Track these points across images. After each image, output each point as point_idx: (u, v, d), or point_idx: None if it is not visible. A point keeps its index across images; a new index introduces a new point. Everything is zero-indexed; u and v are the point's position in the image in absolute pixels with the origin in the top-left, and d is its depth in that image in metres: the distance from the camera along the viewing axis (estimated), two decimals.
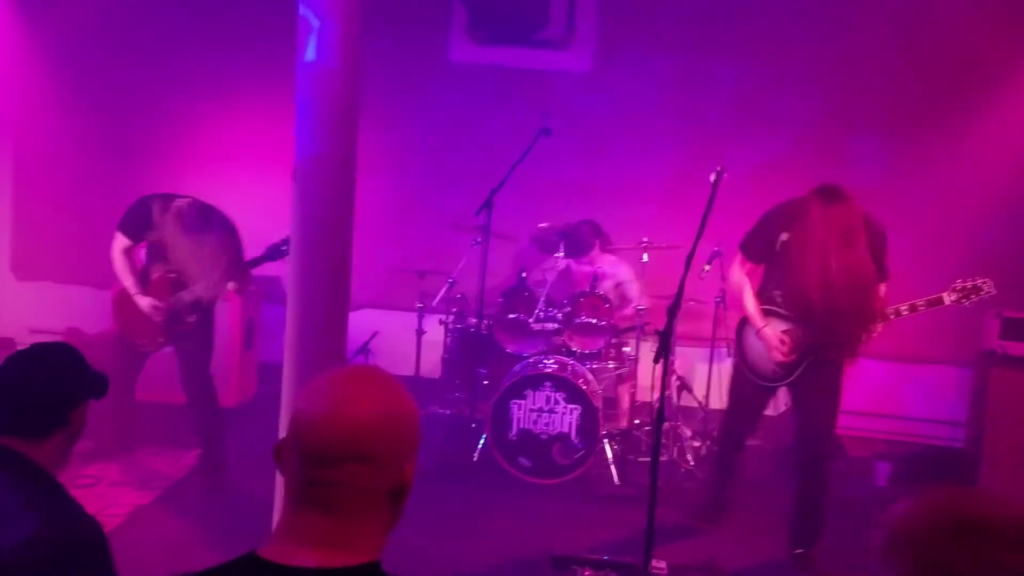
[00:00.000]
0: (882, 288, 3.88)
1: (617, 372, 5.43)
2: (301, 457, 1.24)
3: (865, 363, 5.90)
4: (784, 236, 3.87)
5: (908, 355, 6.01)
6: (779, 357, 3.89)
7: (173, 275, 4.37)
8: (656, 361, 2.96)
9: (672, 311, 3.02)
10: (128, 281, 4.40)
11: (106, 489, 4.31)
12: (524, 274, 5.45)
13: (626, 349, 5.41)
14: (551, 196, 6.20)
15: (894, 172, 5.90)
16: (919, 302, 3.80)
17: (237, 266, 4.45)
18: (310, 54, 4.03)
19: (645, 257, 5.27)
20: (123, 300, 4.45)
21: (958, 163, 5.82)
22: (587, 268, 5.63)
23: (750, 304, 4.00)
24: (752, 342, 4.04)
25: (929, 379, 6.06)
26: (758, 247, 4.02)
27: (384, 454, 1.25)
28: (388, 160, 6.25)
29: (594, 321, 5.12)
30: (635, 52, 6.20)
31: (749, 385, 4.13)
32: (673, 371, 5.30)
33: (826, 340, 3.81)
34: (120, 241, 4.43)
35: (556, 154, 5.88)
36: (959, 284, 3.77)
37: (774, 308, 3.96)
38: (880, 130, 5.97)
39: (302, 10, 3.47)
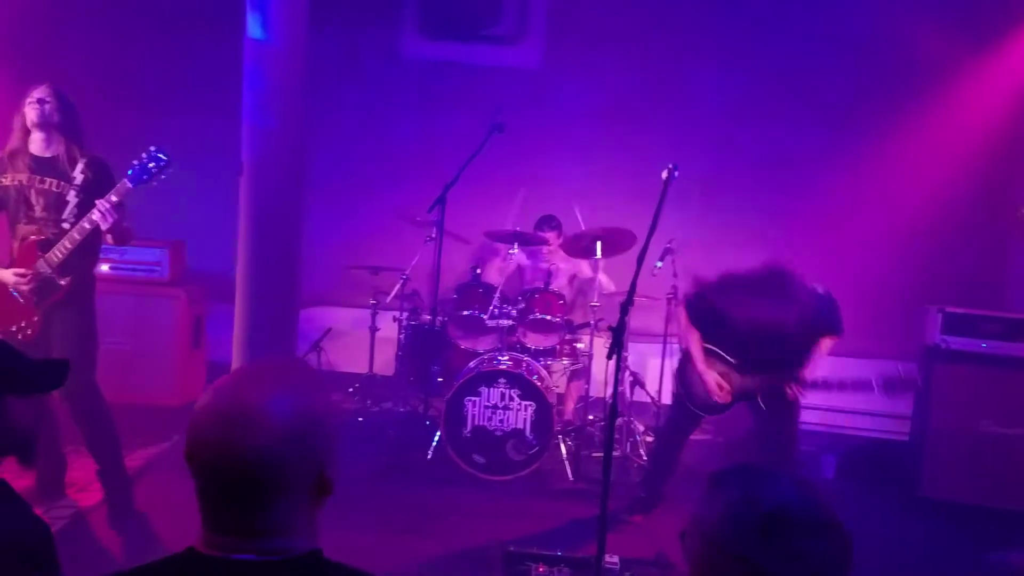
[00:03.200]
0: (824, 343, 4.07)
1: (571, 368, 5.45)
2: (205, 476, 1.20)
3: None
4: (726, 308, 4.02)
5: (852, 350, 6.12)
6: (717, 399, 4.11)
7: (39, 236, 3.68)
8: (609, 357, 2.97)
9: (625, 307, 3.03)
10: None
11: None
12: (478, 270, 5.43)
13: (580, 345, 5.44)
14: (504, 192, 6.21)
15: (839, 170, 6.02)
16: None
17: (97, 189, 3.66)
18: (256, 32, 3.97)
19: (599, 253, 5.28)
20: None
21: (904, 160, 5.97)
22: (543, 264, 5.64)
23: (695, 347, 4.18)
24: (693, 377, 4.21)
25: (873, 373, 6.18)
26: (700, 314, 4.16)
27: (294, 471, 1.20)
28: (340, 155, 6.19)
29: (548, 317, 5.13)
30: (584, 50, 6.24)
31: (689, 415, 4.29)
32: (626, 367, 5.34)
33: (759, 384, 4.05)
34: None
35: (509, 150, 5.88)
36: None
37: (715, 349, 4.16)
38: (823, 129, 6.09)
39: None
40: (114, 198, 3.59)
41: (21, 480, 2.24)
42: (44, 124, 3.66)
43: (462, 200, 5.36)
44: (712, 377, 4.10)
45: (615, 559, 3.53)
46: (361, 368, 5.99)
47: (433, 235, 5.17)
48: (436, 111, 6.31)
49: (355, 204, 6.33)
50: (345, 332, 6.22)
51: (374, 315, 5.83)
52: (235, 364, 4.37)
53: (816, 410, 6.08)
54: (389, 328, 5.74)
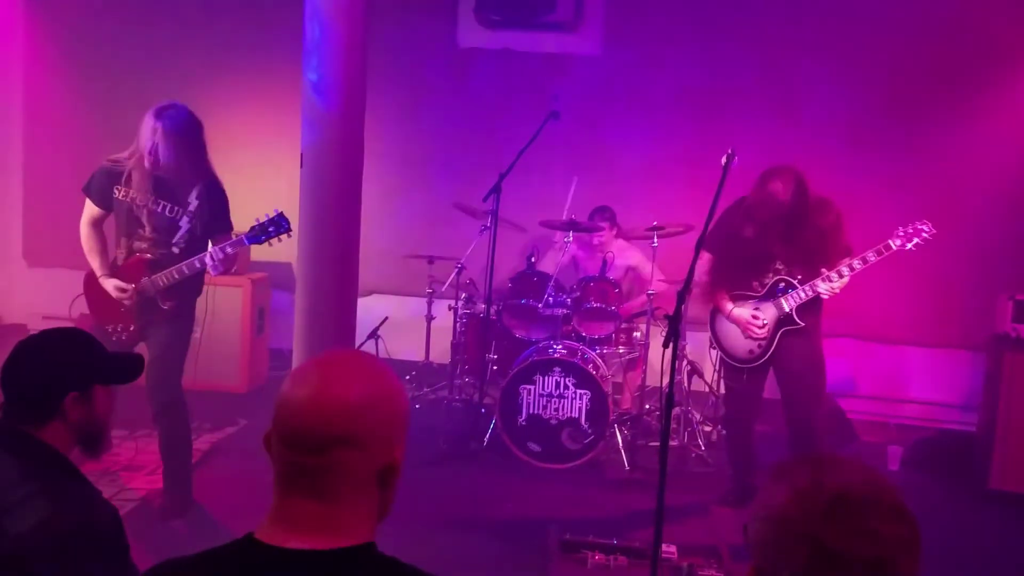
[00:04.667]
0: (853, 260, 4.05)
1: (627, 357, 5.42)
2: (285, 443, 1.23)
3: (876, 348, 5.95)
4: (744, 229, 4.11)
5: (919, 339, 5.99)
6: (756, 333, 4.14)
7: (149, 255, 3.73)
8: (666, 346, 2.95)
9: (682, 295, 3.00)
10: (95, 261, 3.80)
11: (116, 473, 4.33)
12: (533, 259, 5.43)
13: (636, 334, 5.40)
14: (560, 180, 6.18)
15: (909, 158, 5.85)
16: (868, 254, 4.00)
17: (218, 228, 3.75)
18: (314, 27, 4.03)
19: (656, 242, 5.23)
20: (92, 280, 3.86)
21: (972, 147, 5.77)
22: (597, 253, 5.61)
23: (718, 295, 4.25)
24: (725, 329, 4.26)
25: (941, 363, 6.03)
26: (720, 242, 4.17)
27: (369, 438, 1.24)
28: (396, 144, 6.24)
29: (603, 306, 5.11)
30: (644, 35, 6.15)
31: (734, 371, 4.31)
32: (683, 356, 5.29)
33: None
34: (89, 208, 3.83)
35: (565, 138, 5.86)
36: (901, 230, 3.99)
37: (740, 292, 4.21)
38: (895, 115, 5.91)
39: None
40: (229, 250, 3.65)
41: None
42: (156, 163, 3.60)
43: (518, 189, 5.37)
44: (743, 312, 4.14)
45: (672, 548, 3.51)
46: (417, 356, 6.05)
47: (488, 224, 5.19)
48: (492, 99, 6.31)
49: (411, 193, 6.38)
50: (402, 321, 6.29)
51: (430, 304, 5.89)
52: (296, 351, 4.47)
53: (881, 400, 5.96)
54: (445, 317, 5.79)
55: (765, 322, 4.12)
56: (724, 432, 4.62)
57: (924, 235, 3.98)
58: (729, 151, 3.36)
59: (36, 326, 5.88)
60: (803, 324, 4.09)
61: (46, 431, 1.88)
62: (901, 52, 5.85)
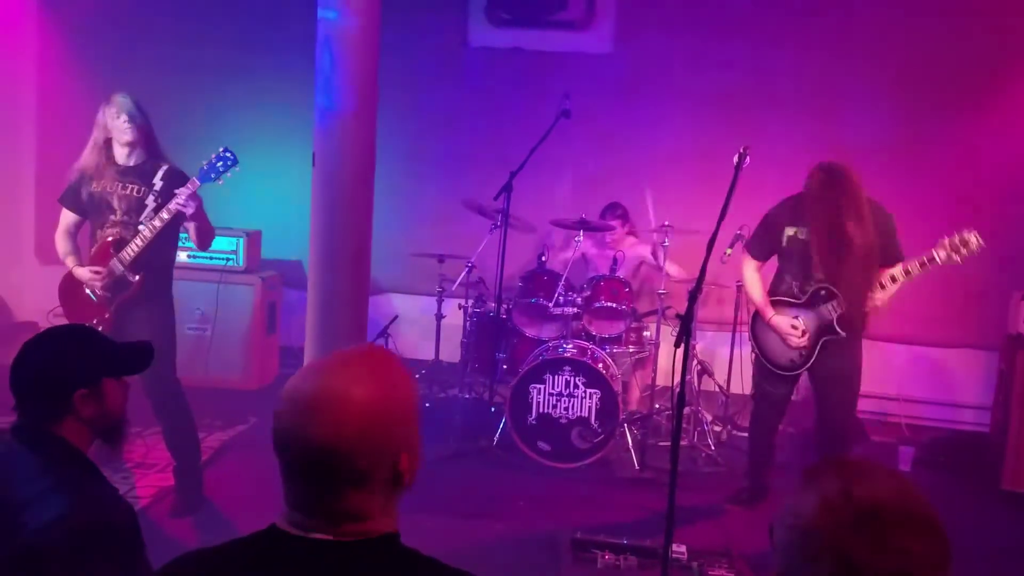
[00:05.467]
0: (897, 268, 3.92)
1: (637, 357, 5.41)
2: (285, 448, 1.23)
3: (888, 347, 5.91)
4: (790, 231, 4.02)
5: (932, 339, 5.95)
6: (795, 343, 4.01)
7: (111, 236, 3.81)
8: (677, 345, 2.94)
9: (693, 295, 2.99)
10: (69, 261, 3.93)
11: (129, 470, 4.35)
12: (544, 257, 5.43)
13: (646, 333, 5.39)
14: (571, 178, 6.18)
15: (924, 157, 5.81)
16: (911, 265, 3.85)
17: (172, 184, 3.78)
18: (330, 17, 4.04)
19: (667, 241, 5.22)
20: (66, 282, 3.99)
21: (982, 143, 5.73)
22: (608, 251, 5.60)
23: (758, 296, 4.17)
24: (767, 336, 4.15)
25: (954, 363, 6.00)
26: (765, 245, 4.17)
27: (371, 449, 1.21)
28: (406, 142, 6.24)
29: (613, 305, 5.10)
30: (655, 33, 6.13)
31: (771, 376, 4.21)
32: (694, 355, 5.27)
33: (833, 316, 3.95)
34: (64, 217, 3.99)
35: (576, 136, 5.85)
36: (946, 240, 3.80)
37: (782, 298, 4.10)
38: (904, 111, 5.87)
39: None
40: (186, 190, 3.73)
41: None
42: (131, 142, 3.81)
43: (528, 187, 5.36)
44: (783, 321, 4.04)
45: (683, 548, 3.50)
46: (427, 355, 6.06)
47: (499, 222, 5.18)
48: (503, 98, 6.31)
49: (421, 191, 6.38)
50: (412, 319, 6.30)
51: (440, 302, 5.89)
52: (307, 349, 4.48)
53: (893, 400, 5.92)
54: (455, 315, 5.79)
55: (805, 331, 4.01)
56: (748, 430, 4.58)
57: (973, 246, 3.74)
58: (741, 149, 3.35)
59: (48, 323, 5.92)
60: (844, 334, 3.95)
61: (62, 428, 1.88)
62: (919, 51, 5.81)
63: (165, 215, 3.73)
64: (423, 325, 6.13)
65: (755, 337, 4.21)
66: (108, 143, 3.85)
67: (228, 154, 3.85)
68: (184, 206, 3.70)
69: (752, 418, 4.49)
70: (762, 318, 4.12)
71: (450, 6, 6.34)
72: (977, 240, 3.76)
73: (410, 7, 6.03)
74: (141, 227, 3.78)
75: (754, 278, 4.21)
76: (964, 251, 3.76)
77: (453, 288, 5.72)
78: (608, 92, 6.19)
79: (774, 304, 4.11)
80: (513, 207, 5.10)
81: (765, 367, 4.20)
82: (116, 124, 3.79)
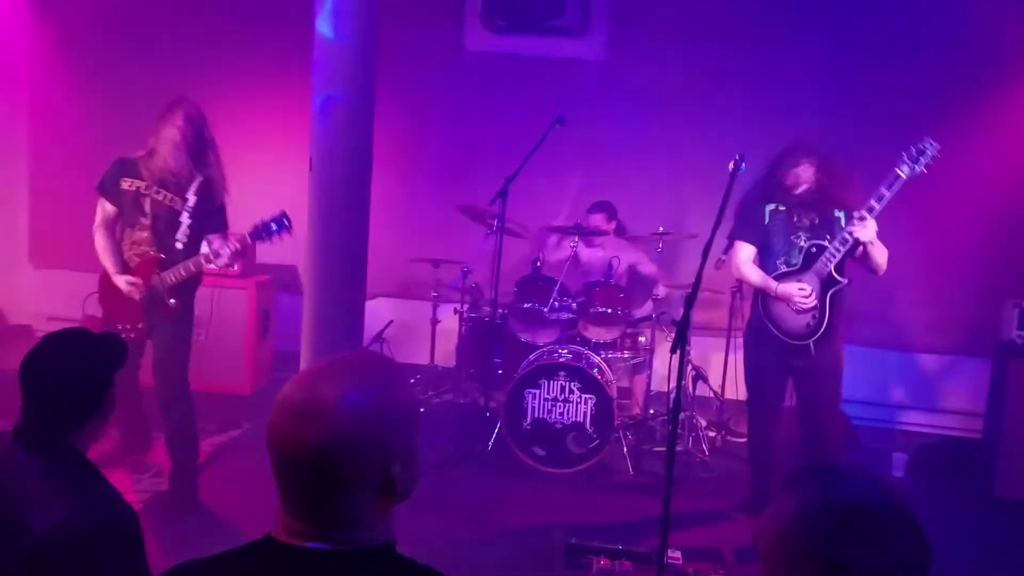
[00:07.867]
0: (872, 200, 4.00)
1: (632, 362, 5.42)
2: (278, 455, 1.23)
3: (881, 353, 5.93)
4: (770, 206, 4.17)
5: (925, 345, 5.97)
6: (806, 302, 4.06)
7: (154, 251, 3.90)
8: (673, 351, 2.95)
9: (689, 301, 3.00)
10: (108, 261, 3.96)
11: (124, 475, 4.34)
12: (539, 263, 5.44)
13: (641, 339, 5.40)
14: (566, 185, 6.19)
15: None
16: (881, 189, 3.89)
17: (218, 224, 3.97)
18: (326, 31, 4.05)
19: (660, 246, 5.24)
20: (106, 280, 4.04)
21: (979, 153, 5.76)
22: (599, 253, 5.61)
23: (757, 276, 4.20)
24: (779, 310, 4.15)
25: (946, 369, 6.02)
26: (751, 225, 4.24)
27: (361, 456, 1.20)
28: (402, 148, 6.25)
29: (609, 311, 5.11)
30: (650, 40, 6.15)
31: (763, 371, 4.25)
32: (689, 361, 5.29)
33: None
34: (103, 209, 3.99)
35: (571, 142, 5.86)
36: (903, 154, 3.87)
37: (778, 273, 4.17)
38: (902, 121, 5.90)
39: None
40: (238, 246, 3.86)
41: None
42: (176, 142, 3.83)
43: (524, 193, 5.37)
44: (789, 285, 4.09)
45: (677, 554, 3.52)
46: (422, 360, 6.06)
47: (494, 228, 5.19)
48: (498, 103, 6.31)
49: (417, 197, 6.38)
50: (406, 324, 6.30)
51: (435, 307, 5.89)
52: (303, 354, 4.47)
53: (886, 407, 5.94)
54: (450, 320, 5.79)
55: (812, 291, 4.07)
56: (747, 436, 4.59)
57: (930, 151, 3.83)
58: (736, 156, 3.37)
59: (42, 327, 5.90)
60: (847, 280, 4.06)
61: (83, 429, 1.90)
62: (908, 58, 5.85)
63: (203, 261, 3.86)
64: (418, 330, 6.12)
65: (770, 319, 4.19)
66: (159, 143, 3.87)
67: (286, 220, 3.90)
68: (226, 264, 3.91)
69: (748, 422, 4.51)
70: (768, 293, 4.15)
71: (446, 12, 6.35)
72: (932, 145, 3.85)
73: (407, 14, 6.04)
74: (178, 245, 3.87)
75: (749, 261, 4.24)
76: (923, 159, 3.84)
77: (448, 293, 5.72)
78: (603, 98, 6.20)
79: (775, 278, 4.16)
80: (509, 212, 5.11)
81: (773, 340, 4.16)
82: (171, 119, 3.84)
